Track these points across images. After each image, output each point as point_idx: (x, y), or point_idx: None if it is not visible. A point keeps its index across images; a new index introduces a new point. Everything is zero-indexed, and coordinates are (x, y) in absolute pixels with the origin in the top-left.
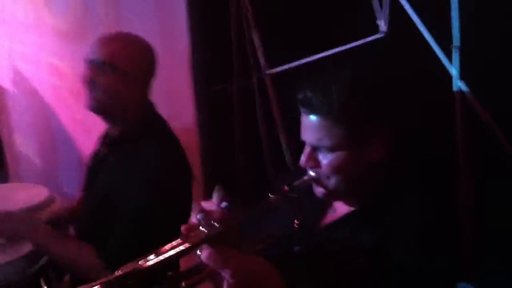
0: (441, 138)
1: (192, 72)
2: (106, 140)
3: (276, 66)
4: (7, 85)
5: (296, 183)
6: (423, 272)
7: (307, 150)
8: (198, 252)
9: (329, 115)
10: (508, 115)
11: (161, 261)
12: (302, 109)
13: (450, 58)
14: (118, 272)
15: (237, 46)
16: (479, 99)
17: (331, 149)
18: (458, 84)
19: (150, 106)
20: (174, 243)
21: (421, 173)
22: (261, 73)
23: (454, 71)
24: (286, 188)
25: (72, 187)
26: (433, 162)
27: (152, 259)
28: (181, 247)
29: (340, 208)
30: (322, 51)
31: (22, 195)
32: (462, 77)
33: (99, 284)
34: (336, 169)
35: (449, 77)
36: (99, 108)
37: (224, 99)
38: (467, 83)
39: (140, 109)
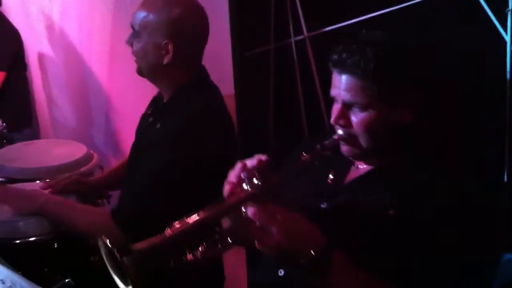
0: (490, 109)
1: (231, 35)
2: (153, 105)
3: (316, 29)
4: (44, 44)
5: (326, 142)
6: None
7: (337, 107)
8: (242, 209)
9: (363, 76)
10: None
11: (208, 217)
12: (335, 69)
13: (504, 23)
14: (169, 231)
15: (276, 7)
16: None
17: (363, 108)
18: None
19: (200, 73)
20: (220, 201)
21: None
22: (300, 35)
23: (508, 36)
24: (318, 147)
25: (107, 145)
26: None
27: (199, 216)
28: (228, 204)
29: (362, 166)
30: (364, 13)
31: (60, 151)
32: None
33: (155, 241)
34: (367, 127)
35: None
36: (138, 72)
37: (262, 62)
38: None
39: (186, 76)
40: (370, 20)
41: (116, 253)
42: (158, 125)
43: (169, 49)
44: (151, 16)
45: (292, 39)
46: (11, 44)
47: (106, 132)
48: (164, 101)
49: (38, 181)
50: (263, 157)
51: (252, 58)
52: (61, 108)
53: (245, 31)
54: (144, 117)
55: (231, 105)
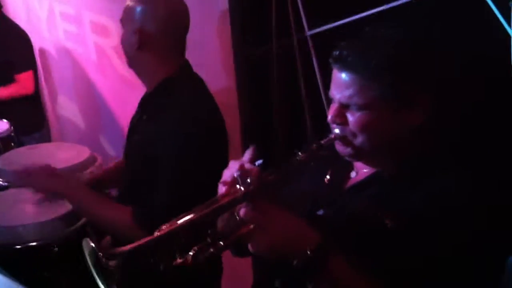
0: (497, 108)
1: (232, 34)
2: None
3: (318, 26)
4: (49, 46)
5: (323, 141)
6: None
7: (335, 106)
8: (235, 211)
9: (363, 74)
10: None
11: (198, 219)
12: (335, 65)
13: (508, 16)
14: (157, 233)
15: (277, 6)
16: None
17: (361, 108)
18: None
19: (182, 65)
20: (212, 201)
21: (463, 146)
22: (302, 33)
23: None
24: (314, 146)
25: (115, 148)
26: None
27: (189, 217)
28: (219, 205)
29: (362, 171)
30: (366, 9)
31: (64, 154)
32: None
33: (142, 243)
34: (364, 127)
35: (507, 37)
36: (127, 62)
37: (264, 61)
38: None
39: (167, 68)
40: (371, 17)
41: (101, 256)
42: (145, 117)
43: (138, 36)
44: (131, 4)
45: (294, 37)
46: (29, 44)
47: (113, 136)
48: (147, 93)
49: None
50: (253, 154)
51: (254, 57)
52: (68, 111)
53: (246, 30)
54: (133, 119)
55: (233, 104)
